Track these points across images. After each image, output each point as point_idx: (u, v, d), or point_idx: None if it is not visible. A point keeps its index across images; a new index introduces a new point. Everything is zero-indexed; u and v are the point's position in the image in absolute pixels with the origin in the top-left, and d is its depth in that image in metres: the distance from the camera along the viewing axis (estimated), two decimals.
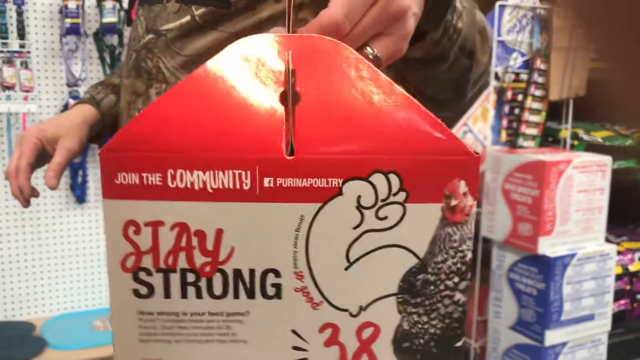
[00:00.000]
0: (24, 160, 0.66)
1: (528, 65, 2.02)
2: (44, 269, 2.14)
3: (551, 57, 1.95)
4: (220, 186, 0.38)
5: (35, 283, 2.14)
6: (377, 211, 0.38)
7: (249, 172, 0.37)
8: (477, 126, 1.97)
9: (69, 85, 2.05)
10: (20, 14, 1.89)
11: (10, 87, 1.88)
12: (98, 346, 1.93)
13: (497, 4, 1.93)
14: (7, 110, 1.87)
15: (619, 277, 2.02)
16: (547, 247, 1.79)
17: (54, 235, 2.12)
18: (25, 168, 0.66)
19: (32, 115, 2.00)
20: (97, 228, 2.16)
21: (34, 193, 0.68)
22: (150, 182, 0.38)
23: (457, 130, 1.92)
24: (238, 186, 0.38)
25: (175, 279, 0.39)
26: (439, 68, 0.55)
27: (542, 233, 1.78)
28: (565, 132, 2.08)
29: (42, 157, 0.69)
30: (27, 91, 1.90)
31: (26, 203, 0.68)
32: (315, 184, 0.37)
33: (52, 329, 2.04)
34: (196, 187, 0.38)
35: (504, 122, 2.02)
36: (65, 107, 2.04)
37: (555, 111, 2.08)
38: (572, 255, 1.82)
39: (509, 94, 2.00)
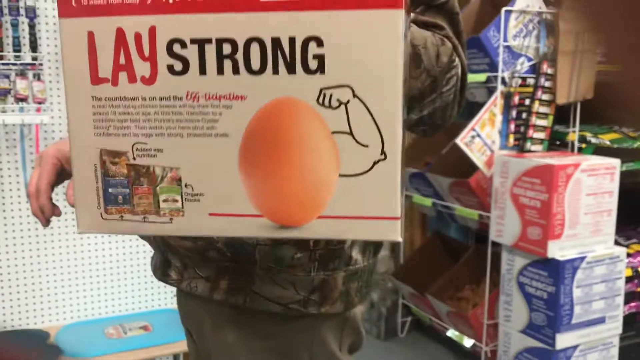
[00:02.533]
0: (44, 180, 0.67)
1: (535, 69, 2.03)
2: (57, 277, 2.16)
3: (558, 61, 1.96)
4: None
5: (49, 292, 2.16)
6: None
7: None
8: (484, 131, 1.98)
9: None
10: (32, 26, 1.92)
11: (23, 99, 1.90)
12: (111, 353, 1.95)
13: (503, 9, 1.95)
14: (20, 122, 1.89)
15: (629, 280, 2.02)
16: (557, 250, 1.80)
17: (67, 244, 2.14)
18: (45, 188, 0.67)
19: (44, 126, 2.02)
20: (110, 237, 2.18)
21: (55, 212, 0.68)
22: None
23: (465, 135, 1.93)
24: None
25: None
26: None
27: (551, 237, 1.78)
28: (573, 135, 2.08)
29: (61, 175, 0.69)
30: (39, 103, 1.93)
31: (47, 222, 0.68)
32: None
33: (66, 337, 2.06)
34: None
35: (512, 127, 2.03)
36: None
37: (562, 115, 2.09)
38: (582, 259, 1.82)
39: (516, 99, 2.01)
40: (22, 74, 1.90)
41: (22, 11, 1.88)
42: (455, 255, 2.41)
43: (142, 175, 0.42)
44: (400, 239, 0.41)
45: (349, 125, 0.39)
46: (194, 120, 0.40)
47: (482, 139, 1.98)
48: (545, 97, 2.02)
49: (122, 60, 0.41)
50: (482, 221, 2.10)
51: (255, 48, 0.38)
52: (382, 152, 0.39)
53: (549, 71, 2.00)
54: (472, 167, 1.99)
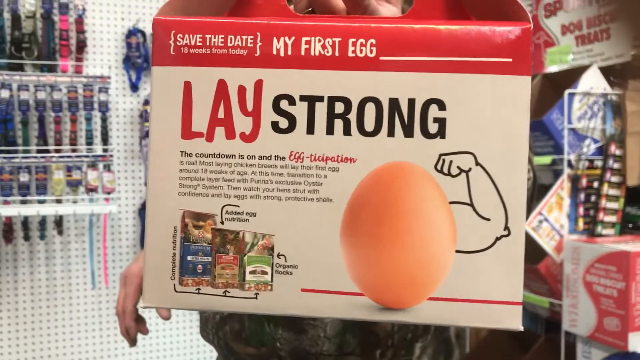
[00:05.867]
0: (130, 303, 0.69)
1: (602, 151, 1.97)
2: None
3: (627, 142, 1.91)
4: None
5: None
6: None
7: None
8: (552, 215, 1.92)
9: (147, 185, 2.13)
10: (104, 120, 2.01)
11: (93, 189, 1.97)
12: None
13: (566, 92, 1.92)
14: (90, 212, 1.95)
15: None
16: (639, 343, 1.68)
17: None
18: (131, 309, 0.69)
19: (112, 215, 2.08)
20: (170, 324, 2.19)
21: (142, 330, 0.71)
22: None
23: (532, 219, 1.87)
24: None
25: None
26: None
27: (631, 328, 1.67)
28: None
29: None
30: (108, 193, 1.99)
31: (133, 342, 0.71)
32: None
33: None
34: None
35: (581, 210, 1.96)
36: (143, 206, 2.12)
37: (634, 196, 2.01)
38: None
39: (584, 181, 1.95)
40: (93, 166, 1.98)
41: (95, 105, 1.98)
42: (524, 345, 2.29)
43: (229, 242, 0.38)
44: (522, 328, 0.37)
45: (470, 195, 0.36)
46: (295, 183, 0.37)
47: (550, 223, 1.91)
48: (614, 179, 1.96)
49: (220, 114, 0.37)
50: (554, 309, 2.00)
51: (370, 108, 0.36)
52: (506, 227, 0.36)
53: (618, 152, 1.94)
54: (541, 252, 1.92)
